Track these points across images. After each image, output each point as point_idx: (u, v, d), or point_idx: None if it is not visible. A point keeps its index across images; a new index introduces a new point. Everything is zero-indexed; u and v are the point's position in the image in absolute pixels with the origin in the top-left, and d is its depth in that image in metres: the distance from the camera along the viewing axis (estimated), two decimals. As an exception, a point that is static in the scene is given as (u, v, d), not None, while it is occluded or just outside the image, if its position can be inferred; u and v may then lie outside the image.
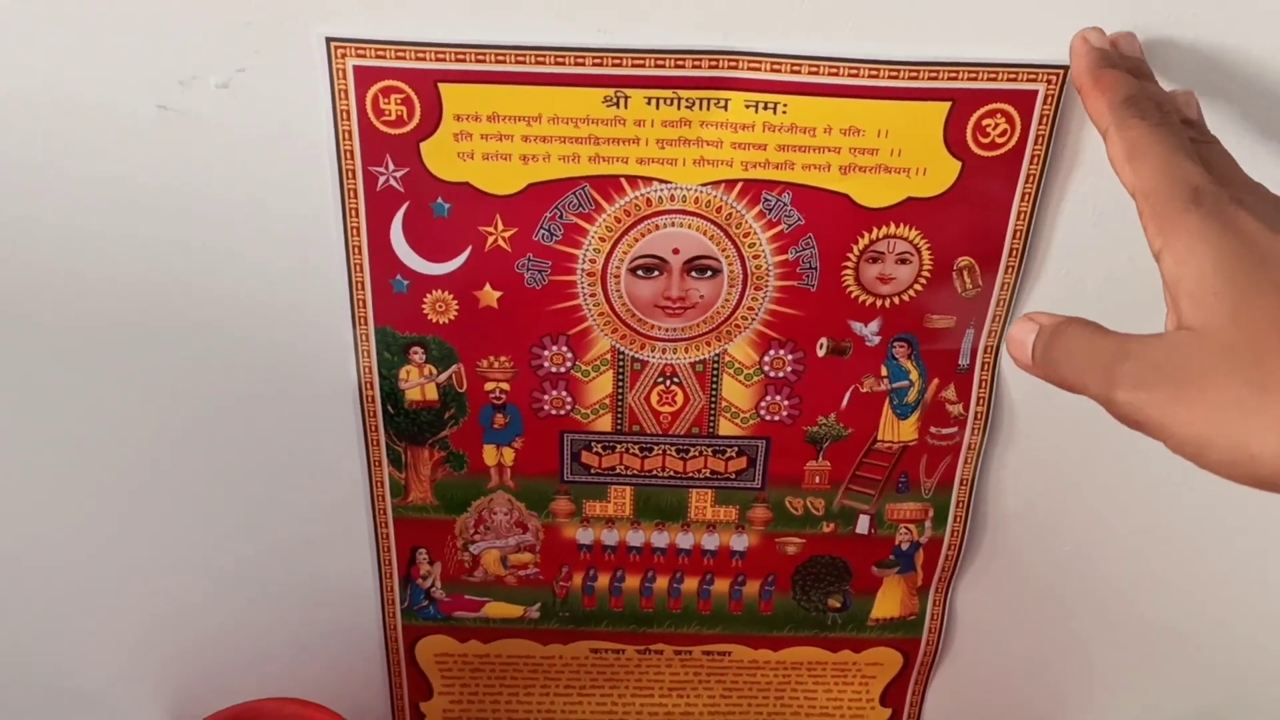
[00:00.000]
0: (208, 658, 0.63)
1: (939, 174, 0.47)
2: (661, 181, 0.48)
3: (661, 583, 0.60)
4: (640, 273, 0.50)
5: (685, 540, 0.59)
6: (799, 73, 0.44)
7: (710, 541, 0.59)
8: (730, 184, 0.48)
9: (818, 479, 0.56)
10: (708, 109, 0.46)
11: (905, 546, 0.59)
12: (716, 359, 0.53)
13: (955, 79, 0.45)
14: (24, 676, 0.64)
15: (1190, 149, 0.35)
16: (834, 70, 0.44)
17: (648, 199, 0.48)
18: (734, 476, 0.56)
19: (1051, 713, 0.66)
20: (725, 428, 0.55)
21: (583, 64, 0.44)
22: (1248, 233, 0.31)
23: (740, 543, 0.59)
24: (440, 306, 0.51)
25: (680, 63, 0.44)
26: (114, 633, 0.62)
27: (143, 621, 0.62)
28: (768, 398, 0.54)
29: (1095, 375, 0.32)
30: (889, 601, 0.61)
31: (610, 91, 0.45)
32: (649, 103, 0.45)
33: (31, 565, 0.60)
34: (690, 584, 0.60)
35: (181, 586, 0.61)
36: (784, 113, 0.45)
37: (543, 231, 0.49)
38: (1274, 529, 0.58)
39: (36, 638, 0.63)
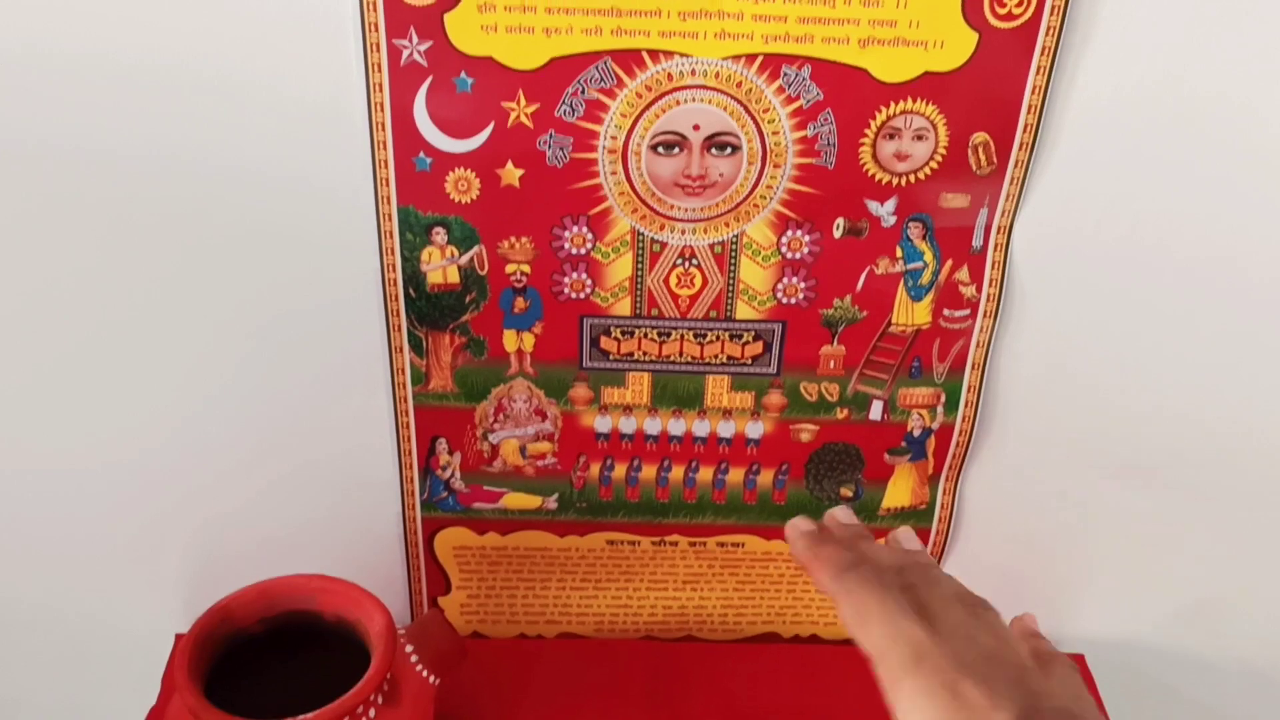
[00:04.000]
0: (225, 543, 0.63)
1: (956, 46, 0.48)
2: (683, 55, 0.48)
3: (677, 472, 0.61)
4: (661, 150, 0.50)
5: (701, 428, 0.59)
6: (820, -60, 0.45)
7: (726, 429, 0.59)
8: (750, 58, 0.48)
9: (832, 364, 0.57)
10: (729, -22, 0.46)
11: (917, 433, 0.60)
12: (735, 240, 0.53)
13: (974, -54, 0.45)
14: (39, 569, 0.65)
15: (907, 606, 0.38)
16: (855, -64, 0.45)
17: (669, 74, 0.48)
18: (750, 362, 0.57)
19: (1053, 597, 0.67)
20: (743, 311, 0.55)
21: (607, -69, 0.45)
22: (965, 698, 0.34)
23: (755, 430, 0.59)
24: (462, 185, 0.51)
25: (703, -70, 0.45)
26: (130, 516, 0.63)
27: (160, 504, 0.62)
28: (785, 280, 0.54)
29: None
30: (900, 490, 0.62)
31: (633, -41, 0.45)
32: (671, -29, 0.46)
33: (49, 450, 0.60)
34: (705, 473, 0.61)
35: (200, 469, 0.61)
36: (804, -18, 0.46)
37: (565, 107, 0.49)
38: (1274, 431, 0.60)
39: (54, 523, 0.63)
